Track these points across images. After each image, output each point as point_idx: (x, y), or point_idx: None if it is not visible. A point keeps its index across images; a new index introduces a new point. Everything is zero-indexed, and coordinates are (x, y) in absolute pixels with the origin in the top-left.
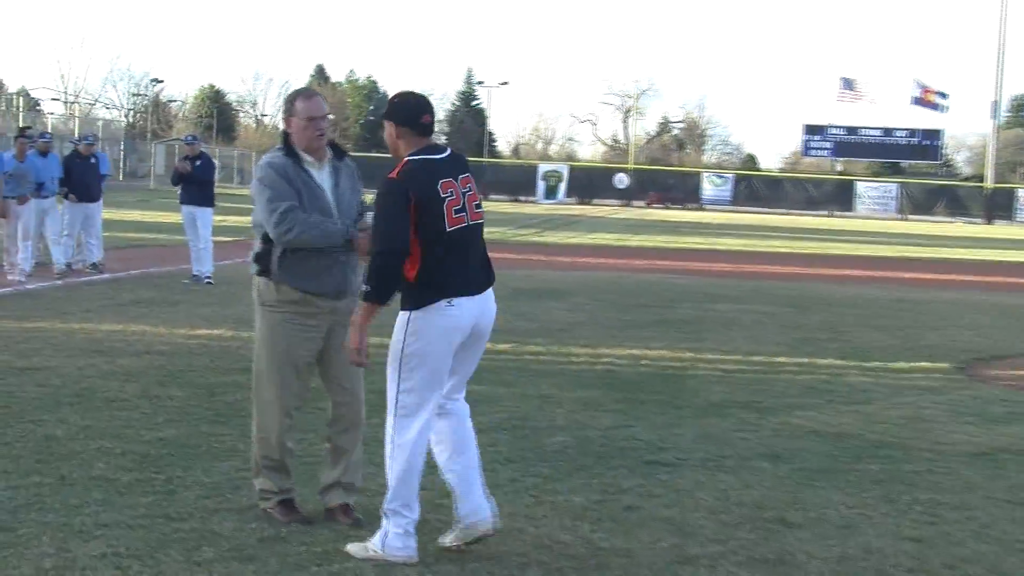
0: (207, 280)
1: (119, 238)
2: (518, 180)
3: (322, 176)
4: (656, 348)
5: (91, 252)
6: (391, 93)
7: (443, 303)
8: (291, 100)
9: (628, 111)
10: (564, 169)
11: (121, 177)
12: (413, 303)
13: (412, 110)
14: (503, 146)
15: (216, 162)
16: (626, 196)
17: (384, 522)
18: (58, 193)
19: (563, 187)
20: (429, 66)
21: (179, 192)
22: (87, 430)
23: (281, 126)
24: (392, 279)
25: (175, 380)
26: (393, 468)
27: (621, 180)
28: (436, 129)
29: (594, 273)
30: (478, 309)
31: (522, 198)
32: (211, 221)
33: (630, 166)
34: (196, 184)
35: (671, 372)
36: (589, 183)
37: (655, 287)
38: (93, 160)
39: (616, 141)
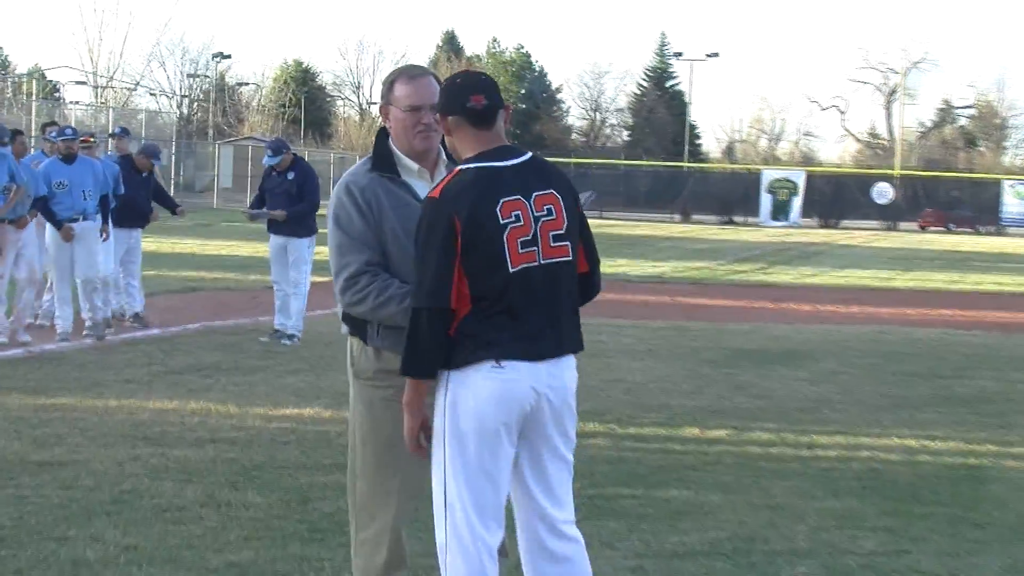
0: (289, 338)
1: (170, 279)
2: (733, 193)
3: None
4: (940, 438)
5: (133, 298)
6: (550, 70)
7: (488, 364)
8: (389, 83)
9: (892, 92)
10: (799, 177)
11: (172, 191)
12: (450, 361)
13: (456, 92)
14: (711, 145)
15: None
16: (891, 215)
17: None
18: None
19: (798, 202)
20: (604, 32)
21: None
22: (130, 552)
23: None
24: (429, 346)
25: (252, 480)
26: None
27: (883, 192)
28: (595, 121)
29: (846, 327)
30: (545, 377)
31: (739, 219)
32: (310, 256)
33: (896, 172)
34: (289, 205)
35: (964, 473)
36: (836, 196)
37: (936, 348)
38: (145, 173)
39: (875, 136)
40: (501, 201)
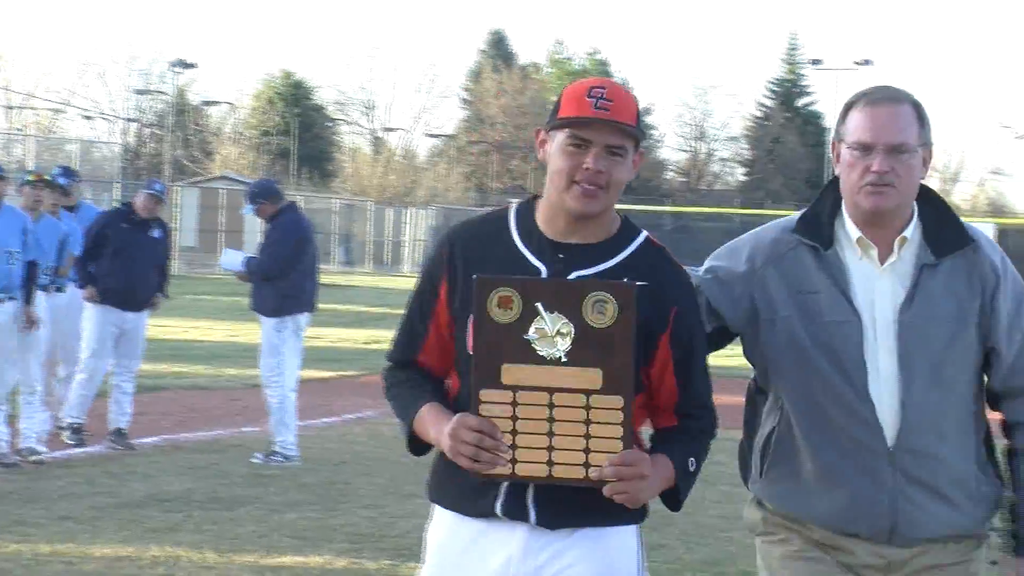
0: (286, 458)
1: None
2: None
3: (883, 285)
4: None
5: (120, 405)
6: (636, 84)
7: None
8: (846, 108)
9: None
10: (986, 232)
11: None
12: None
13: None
14: None
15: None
16: None
17: None
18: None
19: None
20: (710, 32)
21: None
22: None
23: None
24: None
25: None
26: None
27: None
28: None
29: None
30: None
31: None
32: (281, 342)
33: None
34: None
35: None
36: None
37: None
38: (156, 231)
39: None
40: None
